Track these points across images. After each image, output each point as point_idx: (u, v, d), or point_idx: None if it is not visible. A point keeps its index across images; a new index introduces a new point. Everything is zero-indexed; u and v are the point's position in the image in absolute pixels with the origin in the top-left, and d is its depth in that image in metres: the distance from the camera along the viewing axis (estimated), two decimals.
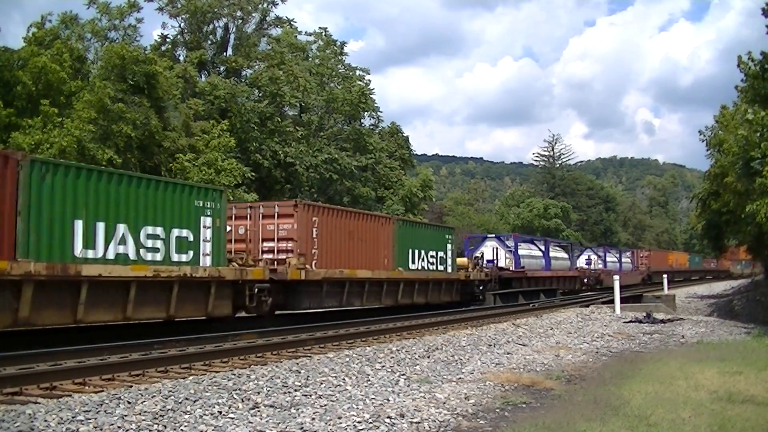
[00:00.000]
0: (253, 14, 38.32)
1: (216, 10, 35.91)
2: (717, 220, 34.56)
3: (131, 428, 6.23)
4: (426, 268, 22.66)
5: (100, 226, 11.97)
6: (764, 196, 18.05)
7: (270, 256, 16.75)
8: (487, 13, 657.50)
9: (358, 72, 42.53)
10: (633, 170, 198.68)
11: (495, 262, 29.56)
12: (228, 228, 16.40)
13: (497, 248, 31.00)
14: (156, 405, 7.09)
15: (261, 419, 6.71)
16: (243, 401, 7.45)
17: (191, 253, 13.73)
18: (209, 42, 37.18)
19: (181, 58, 35.47)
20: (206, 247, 14.05)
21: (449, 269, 24.35)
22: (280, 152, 33.51)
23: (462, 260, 26.76)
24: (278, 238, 17.02)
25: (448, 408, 7.53)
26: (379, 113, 43.14)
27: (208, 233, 14.12)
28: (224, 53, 37.47)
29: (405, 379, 9.23)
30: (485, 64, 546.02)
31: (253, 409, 7.14)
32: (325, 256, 17.64)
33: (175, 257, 13.34)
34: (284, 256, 16.64)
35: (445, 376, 9.62)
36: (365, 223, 19.82)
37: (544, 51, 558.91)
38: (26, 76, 24.31)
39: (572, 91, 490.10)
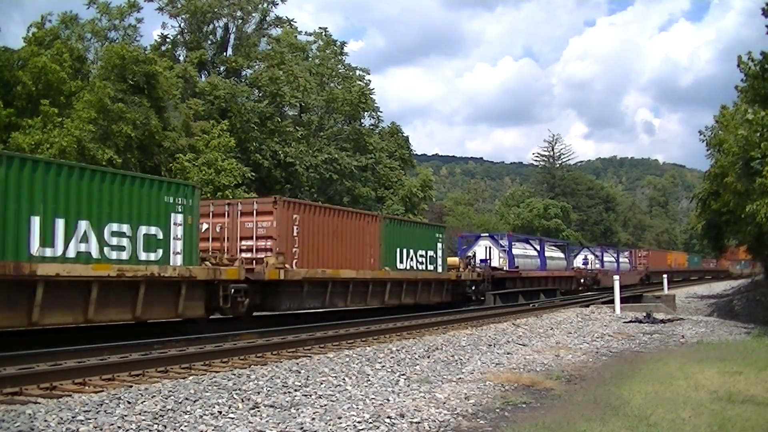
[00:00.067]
0: (253, 14, 38.35)
1: (216, 10, 35.92)
2: (717, 220, 34.55)
3: (131, 428, 6.23)
4: (415, 267, 22.10)
5: (60, 223, 11.35)
6: (764, 196, 18.05)
7: (248, 255, 16.21)
8: (487, 13, 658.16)
9: (358, 72, 42.57)
10: (633, 170, 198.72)
11: (488, 261, 29.11)
12: (205, 226, 16.20)
13: (490, 247, 30.54)
14: (156, 405, 7.09)
15: (261, 419, 6.71)
16: (243, 401, 7.45)
17: (160, 251, 13.11)
18: (209, 42, 37.19)
19: (181, 58, 35.48)
20: (177, 246, 13.42)
21: (439, 269, 23.82)
22: (280, 152, 33.51)
23: (453, 260, 26.43)
24: (257, 236, 16.43)
25: (448, 408, 7.54)
26: (379, 113, 43.23)
27: (179, 231, 13.49)
28: (224, 53, 37.48)
29: (405, 379, 9.23)
30: (485, 64, 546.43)
31: (253, 409, 7.14)
32: (307, 255, 17.04)
33: (142, 256, 12.72)
34: (263, 255, 16.03)
35: (445, 376, 9.62)
36: (350, 221, 19.17)
37: (544, 51, 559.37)
38: (26, 76, 24.32)
39: (572, 91, 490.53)
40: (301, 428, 6.41)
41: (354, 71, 42.48)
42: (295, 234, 16.70)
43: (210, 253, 15.45)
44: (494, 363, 11.16)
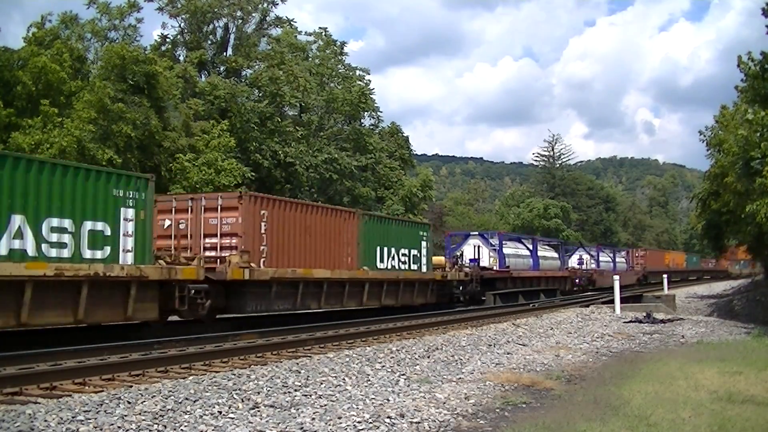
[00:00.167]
0: (253, 14, 38.35)
1: (216, 10, 35.92)
2: (717, 220, 34.56)
3: (131, 428, 6.23)
4: (397, 267, 21.17)
5: None
6: (764, 196, 18.05)
7: (213, 253, 15.41)
8: (487, 13, 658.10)
9: (358, 72, 42.56)
10: (633, 170, 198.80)
11: (477, 261, 28.29)
12: (167, 222, 15.55)
13: (480, 246, 29.65)
14: (156, 405, 7.09)
15: (261, 419, 6.71)
16: (243, 401, 7.45)
17: (108, 249, 12.13)
18: (209, 42, 37.20)
19: (181, 58, 35.48)
20: (127, 243, 12.47)
21: (424, 269, 22.94)
22: (280, 152, 33.51)
23: (439, 259, 25.71)
24: (221, 233, 15.56)
25: (448, 408, 7.54)
26: (379, 113, 43.21)
27: (130, 227, 12.52)
28: (224, 53, 37.49)
29: (405, 379, 9.23)
30: (485, 64, 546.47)
31: (253, 409, 7.14)
32: (276, 254, 16.13)
33: (87, 254, 11.75)
34: (228, 254, 15.16)
35: (445, 376, 9.62)
36: (325, 217, 18.19)
37: (544, 51, 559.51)
38: (26, 76, 24.32)
39: (572, 91, 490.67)
40: (301, 428, 6.41)
41: (354, 71, 42.49)
42: (262, 231, 15.80)
43: (173, 251, 14.60)
44: (494, 363, 11.16)
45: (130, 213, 12.62)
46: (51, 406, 6.98)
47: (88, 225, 11.86)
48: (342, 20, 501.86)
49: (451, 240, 33.23)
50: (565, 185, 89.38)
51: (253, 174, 31.30)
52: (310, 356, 11.39)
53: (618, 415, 7.18)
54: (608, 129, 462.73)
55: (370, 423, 6.67)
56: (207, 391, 7.92)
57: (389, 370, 10.02)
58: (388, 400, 7.83)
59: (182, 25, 36.41)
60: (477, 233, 33.00)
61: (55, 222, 11.32)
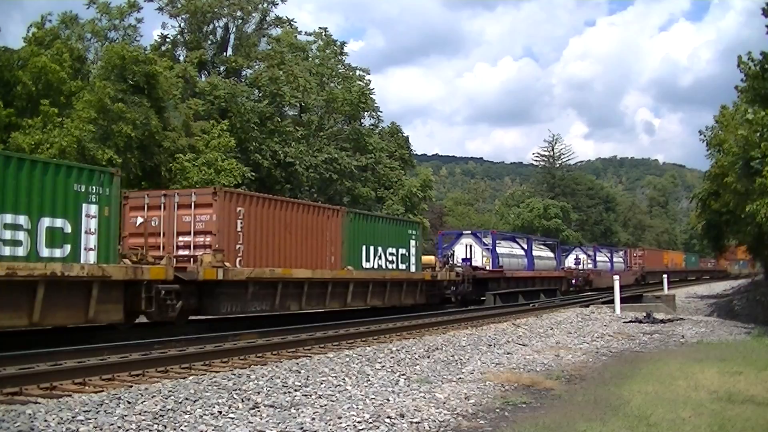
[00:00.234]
0: (253, 14, 38.31)
1: (216, 10, 35.88)
2: (717, 220, 34.61)
3: (131, 428, 6.23)
4: (384, 266, 20.53)
5: None
6: (764, 196, 18.07)
7: (187, 252, 14.83)
8: (487, 13, 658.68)
9: (358, 72, 42.53)
10: (633, 170, 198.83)
11: (470, 260, 27.71)
12: (140, 220, 15.10)
13: (472, 245, 28.98)
14: (156, 405, 7.09)
15: (261, 419, 6.71)
16: (243, 401, 7.45)
17: (68, 247, 11.52)
18: (209, 42, 37.17)
19: (181, 58, 35.45)
20: (90, 241, 11.81)
21: (413, 268, 22.31)
22: (280, 152, 33.49)
23: (428, 258, 25.18)
24: (195, 231, 14.93)
25: (448, 408, 7.54)
26: (379, 113, 43.18)
27: (93, 224, 11.88)
28: (224, 53, 37.46)
29: (405, 379, 9.23)
30: (485, 64, 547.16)
31: (253, 409, 7.14)
32: (253, 253, 15.54)
33: (44, 252, 11.15)
34: (201, 253, 14.52)
35: (445, 376, 9.62)
36: (306, 215, 17.55)
37: (544, 51, 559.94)
38: (26, 76, 24.29)
39: (572, 91, 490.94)
40: (301, 428, 6.41)
41: (354, 71, 42.46)
42: (239, 229, 15.21)
43: (144, 250, 14.02)
44: (494, 363, 11.16)
45: (93, 209, 11.97)
46: (51, 406, 6.98)
47: (46, 222, 11.24)
48: (342, 20, 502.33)
49: (443, 239, 32.43)
50: (565, 185, 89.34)
51: (253, 174, 31.28)
52: (310, 356, 11.38)
53: (618, 415, 7.18)
54: (608, 129, 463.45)
55: (370, 423, 6.67)
56: (207, 391, 7.92)
57: (389, 370, 10.02)
58: (388, 400, 7.83)
59: (182, 25, 36.40)
60: (469, 232, 32.24)
61: (8, 218, 10.73)
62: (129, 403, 7.19)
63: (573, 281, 37.66)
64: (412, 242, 22.52)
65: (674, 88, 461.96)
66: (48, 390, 8.19)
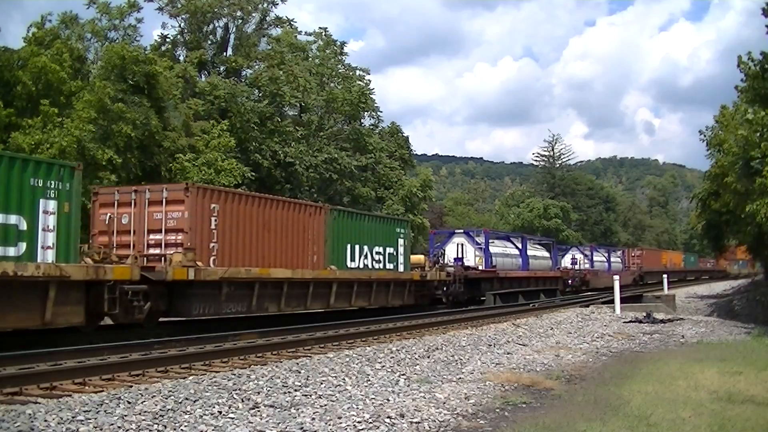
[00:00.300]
0: (253, 14, 38.31)
1: (216, 10, 35.88)
2: (717, 220, 34.65)
3: (131, 428, 6.23)
4: (370, 266, 19.90)
5: None
6: (764, 196, 18.07)
7: (158, 250, 14.21)
8: (487, 12, 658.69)
9: (358, 72, 42.55)
10: (633, 170, 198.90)
11: (462, 260, 27.08)
12: (110, 217, 14.54)
13: (464, 245, 28.29)
14: (156, 405, 7.09)
15: (261, 419, 6.71)
16: (243, 401, 7.45)
17: (23, 245, 10.88)
18: (209, 42, 37.17)
19: (181, 58, 35.46)
20: (47, 239, 11.17)
21: (401, 268, 21.66)
22: (279, 152, 33.49)
23: (418, 258, 24.59)
24: (166, 229, 14.31)
25: (448, 408, 7.54)
26: (379, 113, 43.20)
27: (51, 221, 11.20)
28: (224, 53, 37.47)
29: (405, 379, 9.23)
30: (485, 64, 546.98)
31: (253, 409, 7.15)
32: (228, 252, 14.97)
33: None
34: (173, 251, 13.96)
35: (445, 376, 9.62)
36: (286, 212, 16.92)
37: (544, 51, 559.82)
38: (26, 76, 24.26)
39: (572, 91, 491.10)
40: (301, 428, 6.42)
41: (354, 71, 42.47)
42: (213, 227, 14.61)
43: (115, 248, 13.58)
44: (494, 363, 11.16)
45: (52, 205, 11.26)
46: (51, 406, 6.98)
47: None
48: (342, 20, 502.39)
49: (435, 238, 31.73)
50: (565, 185, 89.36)
51: (253, 174, 31.28)
52: (310, 356, 11.39)
53: (618, 415, 7.18)
54: (608, 129, 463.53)
55: (370, 423, 6.67)
56: (207, 391, 7.92)
57: (389, 370, 10.03)
58: (388, 400, 7.83)
59: (182, 25, 36.40)
60: (462, 231, 31.55)
61: None
62: (129, 403, 7.19)
63: (569, 281, 37.10)
64: (401, 241, 21.91)
65: (674, 88, 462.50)
66: (48, 390, 8.19)
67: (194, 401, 7.34)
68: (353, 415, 6.97)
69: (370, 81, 42.44)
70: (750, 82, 20.93)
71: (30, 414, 6.54)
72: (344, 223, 19.22)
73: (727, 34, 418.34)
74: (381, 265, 20.62)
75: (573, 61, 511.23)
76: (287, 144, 34.41)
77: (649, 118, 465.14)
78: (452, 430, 6.71)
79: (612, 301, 23.55)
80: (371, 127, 42.87)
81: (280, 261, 16.45)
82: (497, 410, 7.59)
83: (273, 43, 37.76)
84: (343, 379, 9.11)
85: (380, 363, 10.58)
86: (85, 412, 6.71)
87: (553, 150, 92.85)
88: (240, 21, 37.75)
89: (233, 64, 35.97)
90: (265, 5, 38.61)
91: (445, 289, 24.80)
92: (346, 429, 6.47)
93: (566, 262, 40.57)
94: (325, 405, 7.43)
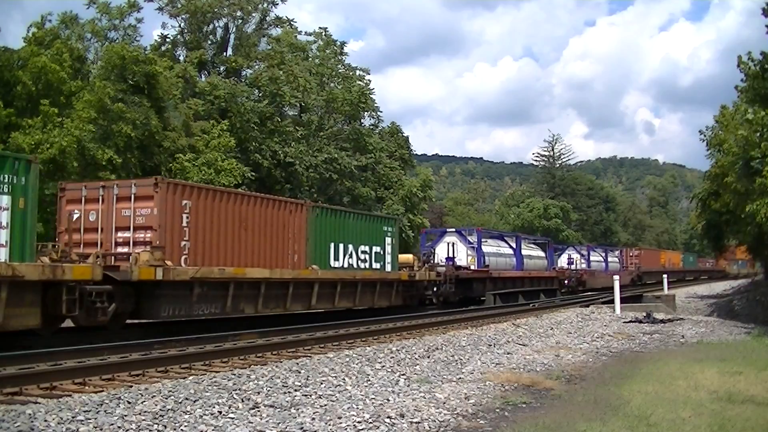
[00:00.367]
0: (253, 14, 38.34)
1: (216, 10, 35.91)
2: (717, 220, 34.67)
3: (131, 428, 6.23)
4: (355, 266, 19.31)
5: None
6: (764, 196, 18.08)
7: (126, 249, 13.57)
8: (488, 12, 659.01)
9: (358, 72, 42.57)
10: (633, 170, 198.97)
11: (453, 259, 26.53)
12: (77, 213, 13.97)
13: (455, 244, 27.68)
14: (156, 405, 7.09)
15: (261, 419, 6.71)
16: (243, 401, 7.45)
17: None
18: (209, 42, 37.20)
19: (181, 58, 35.48)
20: (0, 236, 10.70)
21: (388, 267, 21.01)
22: (279, 152, 33.51)
23: (406, 257, 23.95)
24: (134, 226, 13.68)
25: (448, 408, 7.54)
26: (379, 113, 43.23)
27: (4, 217, 10.71)
28: (224, 53, 37.49)
29: (405, 379, 9.23)
30: (485, 64, 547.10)
31: (253, 409, 7.15)
32: (201, 251, 14.32)
33: None
34: (141, 250, 13.32)
35: (445, 376, 9.62)
36: (265, 209, 16.25)
37: (544, 51, 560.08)
38: (26, 76, 24.28)
39: (572, 91, 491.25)
40: (301, 428, 6.42)
41: (354, 71, 42.49)
42: (184, 224, 13.94)
43: (82, 246, 13.06)
44: (494, 363, 11.16)
45: (5, 200, 10.70)
46: (51, 406, 6.98)
47: None
48: (342, 20, 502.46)
49: (427, 237, 31.05)
50: (565, 185, 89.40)
51: (253, 174, 31.31)
52: (310, 356, 11.39)
53: (618, 415, 7.18)
54: (608, 129, 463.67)
55: (370, 423, 6.67)
56: (207, 391, 7.92)
57: (389, 370, 10.03)
58: (388, 400, 7.83)
59: (182, 25, 36.43)
60: (454, 230, 30.96)
61: None
62: (129, 403, 7.19)
63: (565, 282, 36.47)
64: (388, 239, 21.23)
65: (674, 88, 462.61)
66: (48, 390, 8.19)
67: (194, 401, 7.34)
68: (353, 415, 6.97)
69: (370, 81, 42.53)
70: (750, 82, 20.94)
71: (30, 414, 6.54)
72: (327, 221, 18.60)
73: (727, 34, 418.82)
74: (367, 265, 20.03)
75: (573, 61, 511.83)
76: (287, 144, 34.43)
77: (649, 118, 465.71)
78: (452, 430, 6.71)
79: (612, 301, 23.55)
80: (371, 127, 42.90)
81: (258, 260, 15.87)
82: (497, 410, 7.59)
83: (273, 43, 37.77)
84: (343, 379, 9.11)
85: (380, 363, 10.58)
86: (85, 412, 6.71)
87: (553, 150, 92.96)
88: (240, 21, 37.78)
89: (233, 64, 35.99)
90: (265, 5, 38.66)
91: (435, 289, 24.21)
92: (346, 429, 6.47)
93: (562, 262, 40.04)
94: (325, 405, 7.43)
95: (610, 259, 47.52)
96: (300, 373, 9.42)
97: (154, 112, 26.25)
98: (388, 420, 6.80)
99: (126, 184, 14.25)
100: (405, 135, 46.04)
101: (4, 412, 6.62)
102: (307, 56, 40.95)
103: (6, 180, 10.74)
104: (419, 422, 6.81)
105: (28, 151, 22.07)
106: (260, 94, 35.42)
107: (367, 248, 20.07)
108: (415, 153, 52.37)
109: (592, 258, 43.92)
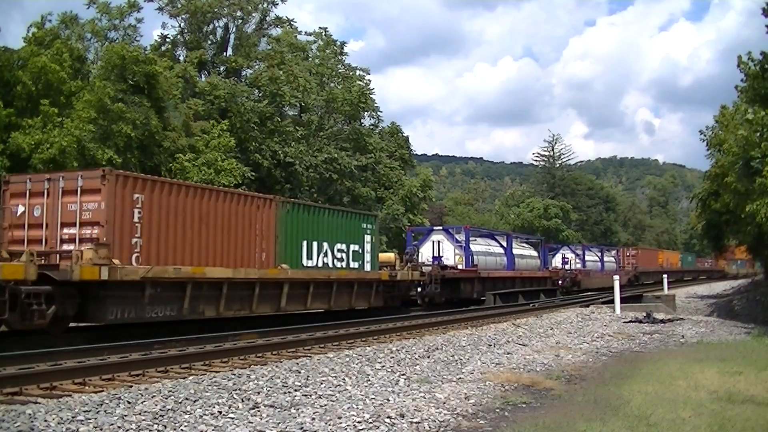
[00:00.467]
0: (253, 14, 38.35)
1: (216, 10, 35.92)
2: (717, 220, 34.65)
3: (131, 428, 6.23)
4: (330, 265, 18.37)
5: None
6: (764, 196, 18.08)
7: (72, 246, 12.57)
8: (488, 12, 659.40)
9: (358, 72, 42.58)
10: (633, 170, 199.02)
11: (439, 259, 25.65)
12: (21, 208, 13.18)
13: (441, 242, 26.76)
14: (156, 405, 7.09)
15: (261, 419, 6.71)
16: (243, 401, 7.45)
17: None
18: (209, 42, 37.20)
19: (181, 58, 35.48)
20: None
21: (367, 266, 20.03)
22: (279, 152, 33.50)
23: (387, 256, 23.18)
24: (80, 222, 12.72)
25: (448, 408, 7.53)
26: (379, 113, 43.26)
27: None
28: (224, 53, 37.48)
29: (405, 379, 9.23)
30: (485, 64, 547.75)
31: (253, 409, 7.14)
32: (155, 248, 13.38)
33: None
34: (87, 247, 12.35)
35: (445, 376, 9.62)
36: (228, 204, 15.30)
37: (544, 51, 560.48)
38: (26, 76, 24.27)
39: (572, 91, 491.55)
40: (301, 428, 6.41)
41: (354, 71, 42.50)
42: (136, 220, 13.02)
43: (26, 244, 12.35)
44: (494, 363, 11.16)
45: None
46: (51, 406, 6.98)
47: None
48: (342, 20, 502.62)
49: (413, 236, 29.98)
50: (565, 185, 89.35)
51: (253, 174, 31.32)
52: (310, 356, 11.39)
53: (618, 415, 7.18)
54: (608, 129, 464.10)
55: (370, 423, 6.67)
56: (207, 391, 7.92)
57: (389, 370, 10.02)
58: (388, 400, 7.83)
59: (182, 25, 36.44)
60: (441, 228, 29.99)
61: None
62: (129, 403, 7.19)
63: (559, 282, 35.43)
64: (367, 237, 20.20)
65: (674, 88, 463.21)
66: (48, 390, 8.19)
67: (194, 401, 7.34)
68: (353, 415, 6.97)
69: (370, 81, 42.55)
70: (750, 82, 20.94)
71: (30, 414, 6.54)
72: (299, 218, 17.58)
73: (727, 34, 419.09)
74: (344, 264, 19.09)
75: (573, 61, 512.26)
76: (287, 144, 34.42)
77: (649, 118, 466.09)
78: (452, 430, 6.71)
79: (612, 301, 23.55)
80: (371, 127, 42.93)
81: (220, 259, 14.94)
82: (497, 410, 7.59)
83: (273, 43, 37.78)
84: (343, 379, 9.11)
85: (380, 363, 10.58)
86: (85, 412, 6.71)
87: (553, 150, 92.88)
88: (240, 21, 37.78)
89: (233, 64, 35.99)
90: (265, 5, 38.66)
91: (419, 289, 23.34)
92: (346, 429, 6.47)
93: (557, 261, 39.42)
94: (325, 405, 7.43)
95: (606, 258, 46.89)
96: (300, 373, 9.42)
97: (154, 112, 26.25)
98: (388, 420, 6.80)
99: (72, 176, 13.19)
100: (405, 135, 46.13)
101: (4, 412, 6.62)
102: (307, 56, 40.95)
103: None
104: (419, 422, 6.81)
105: (28, 151, 22.10)
106: (260, 94, 35.42)
107: (344, 246, 19.14)
108: (415, 153, 52.42)
109: (587, 258, 43.20)
